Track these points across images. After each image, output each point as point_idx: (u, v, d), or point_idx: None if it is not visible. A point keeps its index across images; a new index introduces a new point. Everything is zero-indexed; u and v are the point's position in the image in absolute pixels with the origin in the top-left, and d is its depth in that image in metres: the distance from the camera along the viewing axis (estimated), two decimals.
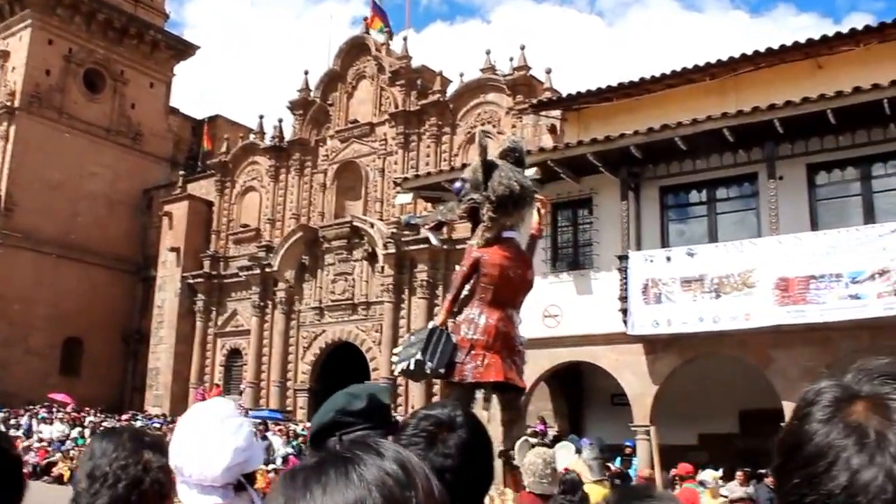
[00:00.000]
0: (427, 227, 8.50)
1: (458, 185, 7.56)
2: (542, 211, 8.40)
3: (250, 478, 2.72)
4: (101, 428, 29.61)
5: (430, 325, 7.52)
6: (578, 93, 23.48)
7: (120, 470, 2.42)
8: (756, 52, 20.71)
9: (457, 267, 7.94)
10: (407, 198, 25.42)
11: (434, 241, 8.51)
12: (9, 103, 43.45)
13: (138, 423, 29.57)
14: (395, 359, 7.69)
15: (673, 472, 15.54)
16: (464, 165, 22.23)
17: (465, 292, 7.54)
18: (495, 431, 6.95)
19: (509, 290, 7.61)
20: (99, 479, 2.42)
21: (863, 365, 1.21)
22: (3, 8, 45.80)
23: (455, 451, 2.10)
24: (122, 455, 2.45)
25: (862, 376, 1.18)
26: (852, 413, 1.12)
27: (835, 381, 1.19)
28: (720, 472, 16.12)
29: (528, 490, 10.09)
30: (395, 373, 7.84)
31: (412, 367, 7.26)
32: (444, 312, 7.51)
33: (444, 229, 9.38)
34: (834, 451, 1.09)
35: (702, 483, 14.55)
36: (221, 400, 2.83)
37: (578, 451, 17.27)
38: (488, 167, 7.56)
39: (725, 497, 15.24)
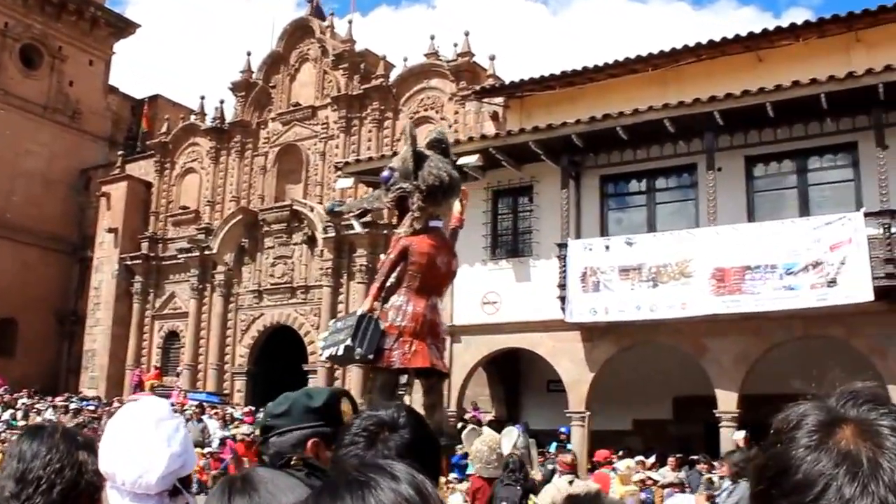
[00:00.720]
0: (352, 214, 8.61)
1: (386, 173, 7.52)
2: (464, 202, 8.47)
3: (186, 481, 2.57)
4: (28, 421, 29.11)
5: (359, 311, 7.57)
6: (521, 80, 23.55)
7: (55, 474, 2.29)
8: (698, 45, 20.94)
9: (381, 256, 8.15)
10: (348, 182, 25.32)
11: (358, 228, 8.54)
12: None
13: (73, 405, 29.18)
14: (321, 344, 7.72)
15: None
16: None
17: (391, 280, 7.60)
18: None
19: (435, 279, 7.73)
20: (31, 484, 2.29)
21: (847, 388, 1.17)
22: None
23: (395, 453, 2.06)
24: (55, 457, 2.32)
25: (846, 400, 1.14)
26: (840, 439, 1.08)
27: (818, 404, 1.16)
28: (635, 461, 16.41)
29: (476, 475, 10.26)
30: (323, 358, 7.84)
31: (341, 352, 7.26)
32: (371, 299, 7.50)
33: (369, 216, 9.39)
34: (824, 480, 1.05)
35: (614, 469, 14.78)
36: (155, 399, 2.68)
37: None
38: (418, 157, 7.61)
39: (653, 482, 15.47)
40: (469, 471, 11.43)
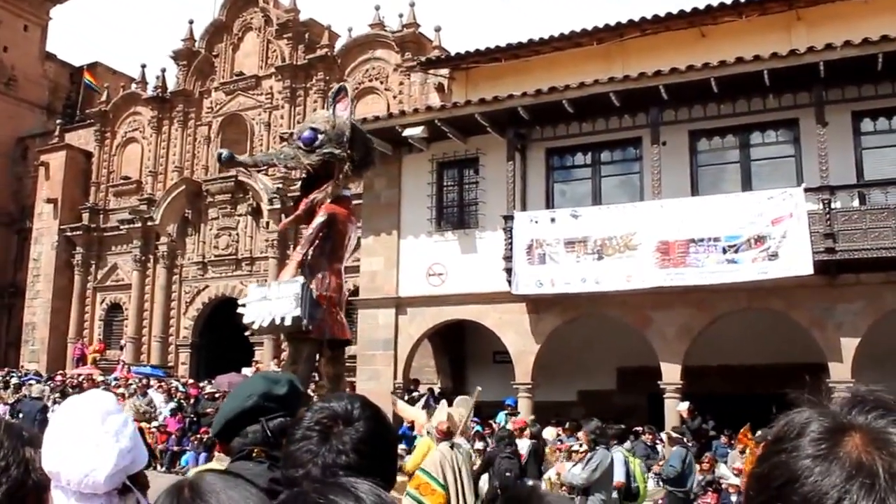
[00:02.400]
0: (256, 169, 8.48)
1: (309, 134, 7.25)
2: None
3: (135, 478, 2.42)
4: None
5: (300, 280, 7.36)
6: (467, 52, 23.50)
7: (1, 471, 2.06)
8: (643, 19, 21.09)
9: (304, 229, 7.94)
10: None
11: (258, 184, 8.18)
12: None
13: (14, 380, 28.71)
14: (244, 310, 7.49)
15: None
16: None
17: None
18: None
19: (346, 249, 7.86)
20: None
21: (854, 393, 1.08)
22: None
23: (350, 447, 1.98)
24: (0, 454, 2.09)
25: (852, 406, 1.06)
26: (851, 449, 1.00)
27: (821, 410, 1.07)
28: (558, 429, 16.87)
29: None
30: (255, 327, 7.58)
31: (288, 322, 7.11)
32: (296, 267, 7.41)
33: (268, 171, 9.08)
34: (836, 493, 0.97)
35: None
36: (100, 392, 2.53)
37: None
38: (353, 127, 7.61)
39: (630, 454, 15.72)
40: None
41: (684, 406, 17.07)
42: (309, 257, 7.35)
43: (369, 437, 2.01)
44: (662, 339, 17.94)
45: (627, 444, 15.35)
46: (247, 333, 27.30)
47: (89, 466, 2.27)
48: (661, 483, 14.21)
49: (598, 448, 11.94)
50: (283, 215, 30.85)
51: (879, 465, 0.97)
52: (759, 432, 13.34)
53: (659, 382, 17.85)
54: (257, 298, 7.13)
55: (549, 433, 17.25)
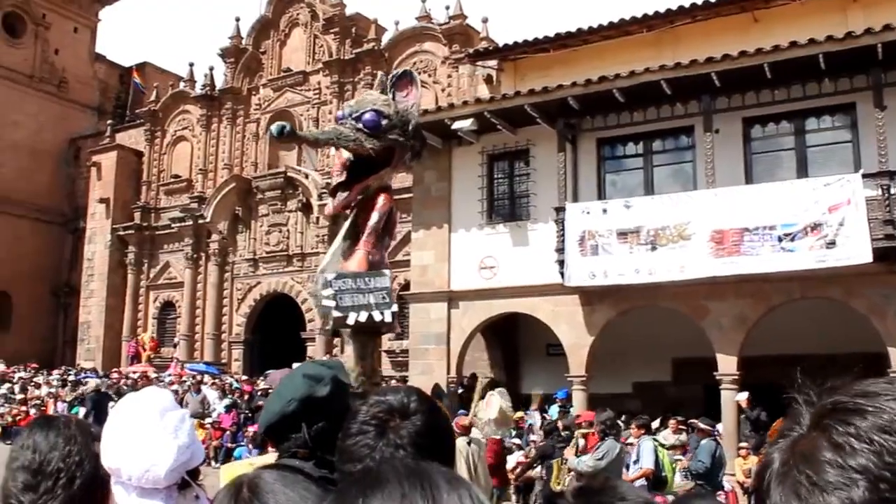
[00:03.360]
0: (312, 143, 7.65)
1: (372, 116, 6.62)
2: None
3: (194, 473, 2.47)
4: (27, 395, 29.07)
5: (387, 272, 7.11)
6: (515, 43, 23.36)
7: (75, 466, 2.21)
8: (693, 5, 20.81)
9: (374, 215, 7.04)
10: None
11: (312, 165, 7.27)
12: None
13: (71, 378, 29.15)
14: (331, 304, 6.37)
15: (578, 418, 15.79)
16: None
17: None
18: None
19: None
20: (51, 477, 2.21)
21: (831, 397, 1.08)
22: None
23: (408, 441, 1.96)
24: (74, 449, 2.24)
25: (818, 412, 1.07)
26: (802, 447, 1.05)
27: (802, 412, 1.09)
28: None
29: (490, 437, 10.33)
30: (350, 322, 6.48)
31: (388, 319, 6.58)
32: (366, 258, 6.68)
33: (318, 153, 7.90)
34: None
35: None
36: (157, 390, 2.54)
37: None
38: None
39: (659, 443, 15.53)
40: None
41: (743, 396, 16.83)
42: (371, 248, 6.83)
43: (427, 431, 2.00)
44: (718, 329, 17.70)
45: (668, 432, 15.27)
46: (316, 328, 27.24)
47: (150, 462, 2.31)
48: (688, 477, 14.09)
49: (607, 438, 12.06)
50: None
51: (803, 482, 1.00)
52: None
53: (715, 373, 17.62)
54: (348, 290, 6.35)
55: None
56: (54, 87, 45.86)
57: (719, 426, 16.20)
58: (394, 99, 6.71)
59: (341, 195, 6.57)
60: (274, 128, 6.33)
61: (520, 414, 18.96)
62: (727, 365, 17.45)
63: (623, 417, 17.12)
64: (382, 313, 6.45)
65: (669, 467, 12.91)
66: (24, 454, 2.27)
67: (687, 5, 20.85)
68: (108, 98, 48.50)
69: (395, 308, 6.43)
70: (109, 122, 42.77)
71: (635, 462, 12.79)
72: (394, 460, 1.71)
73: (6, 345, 40.01)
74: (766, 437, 15.83)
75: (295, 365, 26.40)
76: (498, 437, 13.80)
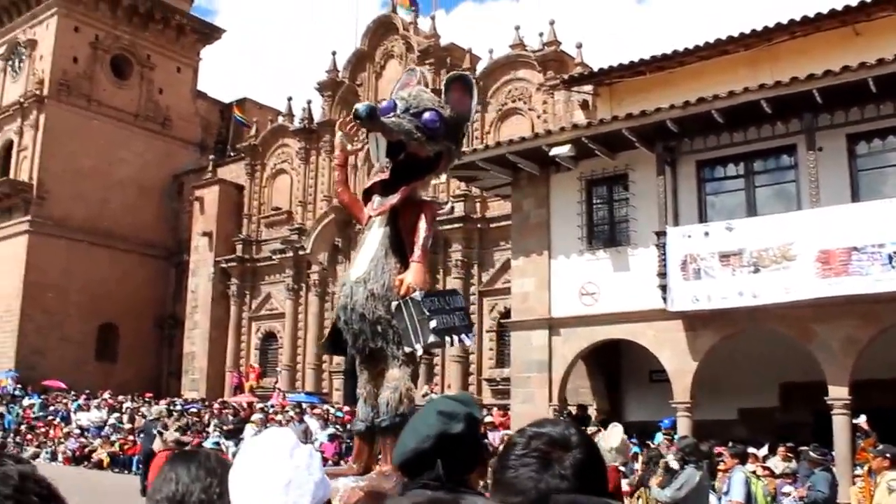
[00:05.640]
0: (390, 139, 5.79)
1: (433, 116, 5.99)
2: None
3: None
4: (134, 425, 29.75)
5: (458, 291, 6.76)
6: (610, 67, 23.22)
7: (217, 498, 2.23)
8: (791, 21, 20.41)
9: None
10: (441, 177, 25.21)
11: (377, 159, 5.74)
12: (38, 92, 43.70)
13: (177, 408, 29.76)
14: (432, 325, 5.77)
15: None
16: (498, 143, 22.06)
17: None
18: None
19: None
20: None
21: None
22: None
23: (571, 473, 1.95)
24: (215, 482, 2.26)
25: None
26: None
27: None
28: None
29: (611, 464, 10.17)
30: (447, 346, 6.25)
31: (468, 342, 6.34)
32: (426, 270, 6.01)
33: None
34: None
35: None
36: (279, 429, 2.56)
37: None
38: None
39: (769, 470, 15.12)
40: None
41: (862, 419, 16.23)
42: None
43: (589, 462, 1.99)
44: (827, 352, 17.19)
45: (750, 466, 14.67)
46: (410, 349, 27.21)
47: (291, 500, 2.24)
48: None
49: (686, 466, 11.65)
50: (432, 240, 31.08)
51: None
52: (879, 446, 12.67)
53: (825, 398, 17.09)
54: (437, 310, 5.76)
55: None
56: (159, 125, 47.30)
57: (832, 452, 15.68)
58: (447, 101, 6.23)
59: (390, 197, 5.98)
60: (361, 107, 5.71)
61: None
62: (838, 389, 16.92)
63: (730, 444, 16.73)
64: (468, 336, 6.01)
65: (763, 500, 12.41)
66: (167, 486, 2.29)
67: (785, 22, 20.47)
68: (209, 134, 49.82)
69: (474, 330, 6.02)
70: (211, 157, 43.89)
71: (725, 493, 12.33)
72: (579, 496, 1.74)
73: (114, 376, 41.19)
74: None
75: None
76: (616, 465, 13.62)
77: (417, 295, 5.59)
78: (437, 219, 29.16)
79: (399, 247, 5.93)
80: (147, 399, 33.64)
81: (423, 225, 5.96)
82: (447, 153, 6.21)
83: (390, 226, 5.98)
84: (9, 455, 1.65)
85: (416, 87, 6.32)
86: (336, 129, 6.22)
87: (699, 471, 11.69)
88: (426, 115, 5.95)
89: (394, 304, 5.69)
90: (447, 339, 5.81)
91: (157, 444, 10.14)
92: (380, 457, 5.78)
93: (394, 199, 5.92)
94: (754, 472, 13.53)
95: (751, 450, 15.57)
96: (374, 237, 6.01)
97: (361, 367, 6.11)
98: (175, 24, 48.69)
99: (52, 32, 44.60)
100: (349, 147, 6.29)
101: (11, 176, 43.86)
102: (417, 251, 5.85)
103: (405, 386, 5.74)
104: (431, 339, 5.64)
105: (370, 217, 6.06)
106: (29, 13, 46.10)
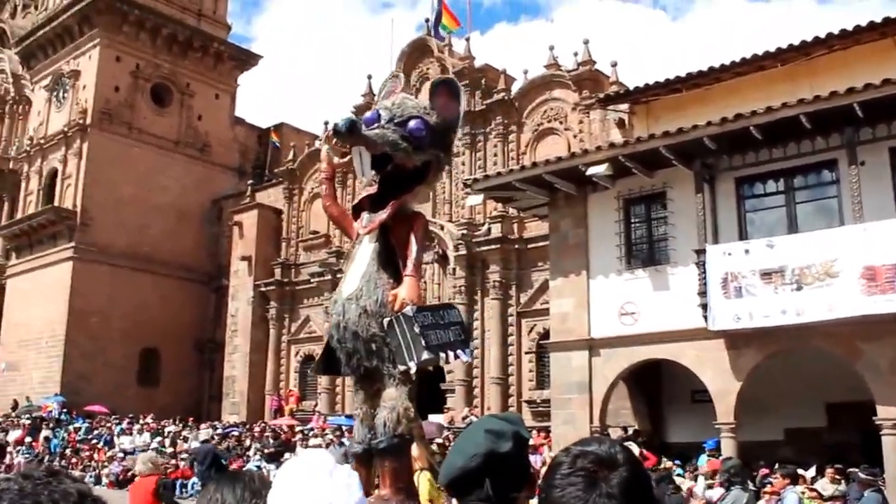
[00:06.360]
0: (373, 152, 5.70)
1: (418, 125, 5.74)
2: None
3: None
4: (176, 448, 29.89)
5: (455, 305, 6.46)
6: (646, 85, 23.09)
7: None
8: (829, 35, 20.16)
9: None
10: (478, 199, 25.18)
11: (362, 173, 5.28)
12: (81, 121, 44.48)
13: (218, 431, 29.85)
14: (428, 341, 5.47)
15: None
16: (535, 164, 21.98)
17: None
18: None
19: None
20: None
21: None
22: (72, 29, 46.82)
23: (619, 492, 1.92)
24: (260, 503, 2.30)
25: None
26: None
27: None
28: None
29: None
30: (441, 363, 5.76)
31: (466, 358, 5.87)
32: (418, 285, 5.80)
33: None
34: None
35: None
36: (317, 451, 2.55)
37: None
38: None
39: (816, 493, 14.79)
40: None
41: None
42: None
43: (636, 481, 1.97)
44: (875, 371, 16.83)
45: (799, 488, 14.35)
46: (455, 379, 26.84)
47: None
48: None
49: (733, 488, 11.40)
50: (469, 261, 30.99)
51: None
52: None
53: (874, 418, 16.74)
54: (430, 325, 5.48)
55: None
56: (198, 151, 47.80)
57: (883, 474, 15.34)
58: (433, 108, 5.97)
59: (379, 213, 5.76)
60: (341, 121, 5.40)
61: (668, 463, 18.50)
62: (887, 409, 16.56)
63: (776, 466, 16.42)
64: (464, 352, 5.70)
65: None
66: None
67: (823, 36, 20.22)
68: (247, 159, 50.26)
69: (472, 346, 5.68)
70: (250, 182, 44.25)
71: None
72: None
73: (155, 400, 41.47)
74: None
75: (433, 417, 26.33)
76: None
77: (409, 310, 5.38)
78: (475, 241, 28.98)
79: (391, 261, 5.75)
80: (189, 424, 33.80)
81: (415, 238, 5.78)
82: (436, 161, 5.98)
83: (381, 240, 5.79)
84: (66, 474, 1.76)
85: (399, 95, 6.08)
86: (323, 142, 6.00)
87: (746, 493, 11.48)
88: (411, 124, 5.74)
89: (385, 320, 5.48)
90: (442, 355, 5.53)
91: (138, 468, 10.22)
92: (378, 481, 5.60)
93: (383, 215, 5.73)
94: (804, 493, 13.28)
95: (798, 471, 15.29)
96: (364, 253, 5.84)
97: (357, 387, 5.93)
98: (213, 52, 49.29)
99: (95, 63, 45.35)
100: (336, 160, 6.00)
101: (56, 203, 44.56)
102: (410, 265, 5.67)
103: (402, 406, 5.52)
104: (425, 356, 5.39)
105: (359, 234, 5.88)
106: (72, 44, 46.98)
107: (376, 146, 5.55)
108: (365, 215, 5.85)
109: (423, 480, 8.61)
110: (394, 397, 5.53)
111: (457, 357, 5.64)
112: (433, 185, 6.21)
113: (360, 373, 5.73)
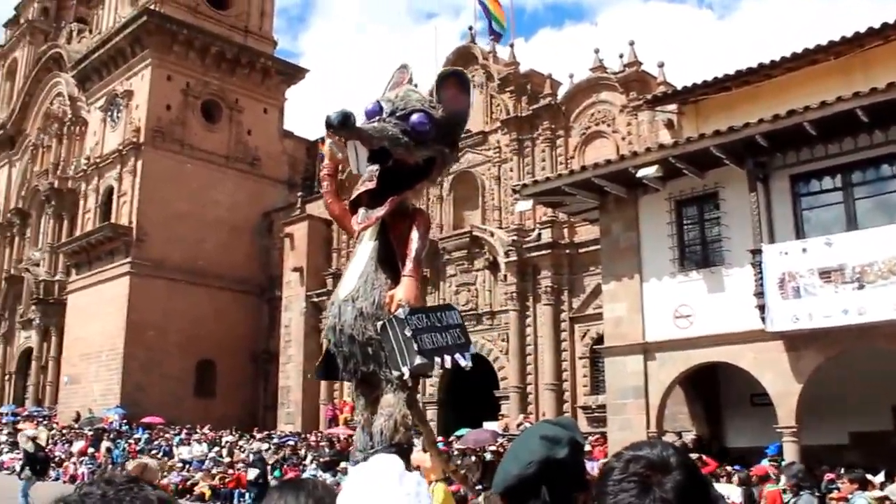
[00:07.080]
0: (369, 147, 5.33)
1: (421, 118, 5.46)
2: None
3: None
4: (233, 458, 30.05)
5: (454, 307, 6.10)
6: (695, 84, 22.73)
7: None
8: (884, 25, 19.65)
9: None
10: (527, 204, 25.00)
11: (357, 168, 4.86)
12: (135, 139, 45.46)
13: (274, 441, 29.98)
14: (422, 345, 5.09)
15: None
16: (583, 167, 21.74)
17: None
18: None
19: None
20: None
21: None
22: (125, 51, 47.82)
23: (673, 497, 1.86)
24: None
25: None
26: None
27: None
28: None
29: None
30: (438, 368, 5.42)
31: (465, 363, 5.36)
32: (417, 286, 5.44)
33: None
34: None
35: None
36: (388, 456, 2.62)
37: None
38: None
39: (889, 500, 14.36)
40: None
41: None
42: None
43: (692, 484, 1.92)
44: None
45: (869, 493, 13.89)
46: (509, 386, 26.69)
47: None
48: None
49: (802, 493, 11.03)
50: (520, 267, 30.80)
51: None
52: None
53: None
54: (425, 328, 5.12)
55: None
56: (248, 166, 48.35)
57: None
58: (439, 101, 5.65)
59: (377, 209, 5.41)
60: (334, 114, 5.09)
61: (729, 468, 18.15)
62: None
63: (843, 470, 15.96)
64: (463, 356, 5.28)
65: None
66: None
67: (877, 26, 19.73)
68: (296, 171, 50.71)
69: (472, 349, 5.46)
70: (299, 193, 44.54)
71: None
72: None
73: (212, 411, 41.93)
74: None
75: (487, 424, 26.16)
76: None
77: (401, 312, 5.02)
78: (525, 246, 28.66)
79: (390, 260, 5.42)
80: (251, 434, 34.13)
81: (415, 235, 5.45)
82: (440, 158, 5.67)
83: (380, 238, 5.47)
84: (147, 482, 1.81)
85: (404, 87, 5.78)
86: (325, 137, 5.62)
87: (814, 497, 11.17)
88: (414, 118, 5.43)
89: (378, 323, 5.16)
90: (437, 359, 5.14)
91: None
92: None
93: (380, 210, 5.38)
94: (875, 499, 12.88)
95: (867, 476, 14.87)
96: (363, 251, 5.53)
97: (357, 393, 5.65)
98: (260, 68, 49.90)
99: (147, 82, 46.29)
100: (339, 156, 5.68)
101: (113, 220, 45.44)
102: (409, 264, 5.33)
103: (400, 413, 5.20)
104: (418, 360, 5.00)
105: (359, 231, 5.54)
106: (125, 66, 48.05)
107: (372, 141, 5.23)
108: (361, 211, 5.50)
109: (437, 493, 8.38)
110: (392, 404, 5.23)
111: (455, 362, 5.22)
112: (436, 181, 5.91)
113: (358, 378, 5.44)
